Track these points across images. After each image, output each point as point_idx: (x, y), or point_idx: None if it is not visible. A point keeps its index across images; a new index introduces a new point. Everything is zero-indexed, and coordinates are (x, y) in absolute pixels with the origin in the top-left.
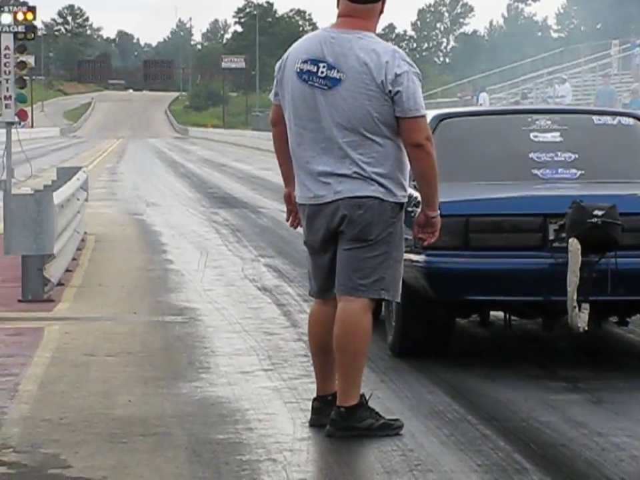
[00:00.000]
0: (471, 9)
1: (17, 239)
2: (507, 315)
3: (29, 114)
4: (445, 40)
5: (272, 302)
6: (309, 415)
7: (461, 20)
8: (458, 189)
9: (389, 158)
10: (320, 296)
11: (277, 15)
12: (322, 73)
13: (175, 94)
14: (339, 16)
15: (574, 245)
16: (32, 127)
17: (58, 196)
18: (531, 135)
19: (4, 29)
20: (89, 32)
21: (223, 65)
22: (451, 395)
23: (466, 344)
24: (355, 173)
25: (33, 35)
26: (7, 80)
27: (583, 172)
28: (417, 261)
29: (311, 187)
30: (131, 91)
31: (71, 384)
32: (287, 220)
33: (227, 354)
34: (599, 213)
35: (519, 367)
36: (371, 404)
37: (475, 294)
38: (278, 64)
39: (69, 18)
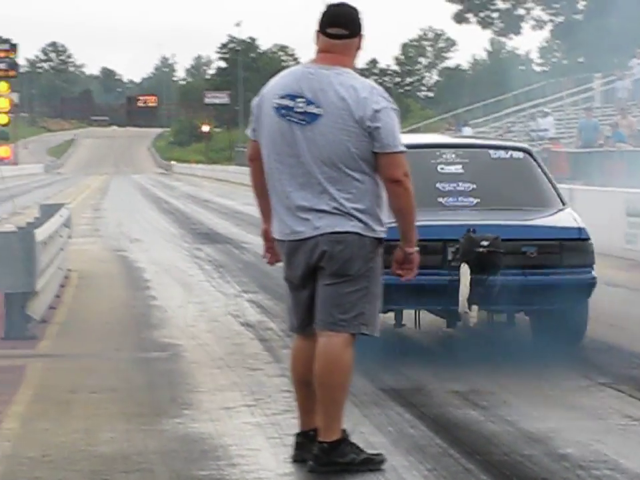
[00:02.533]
0: (454, 43)
1: (0, 276)
2: (417, 316)
3: (13, 151)
4: (428, 74)
5: (255, 337)
6: (291, 450)
7: (444, 54)
8: None
9: (368, 194)
10: (300, 331)
11: (260, 51)
12: (300, 108)
13: (159, 130)
14: (317, 52)
15: (464, 268)
16: (16, 164)
17: (41, 233)
18: (438, 167)
19: None
20: (72, 69)
21: (207, 100)
22: (434, 429)
23: (448, 376)
24: (334, 208)
25: (14, 73)
26: None
27: (479, 200)
28: None
29: (289, 223)
30: (114, 127)
31: (53, 421)
32: (264, 257)
33: (209, 390)
34: (485, 243)
35: (498, 399)
36: (353, 439)
37: (392, 304)
38: (255, 100)
39: (53, 55)
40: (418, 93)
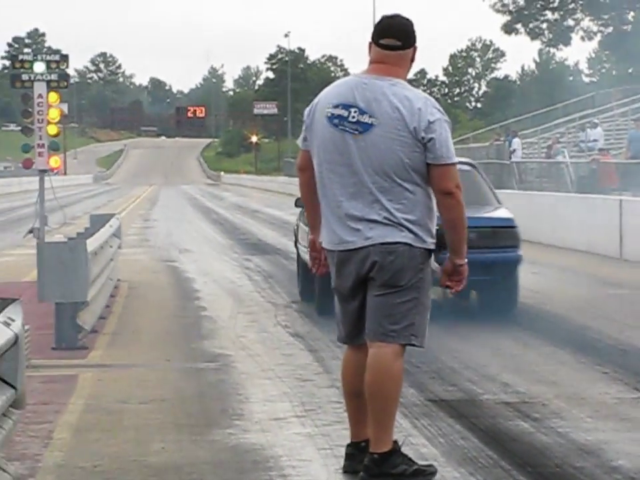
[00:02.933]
0: (503, 54)
1: (51, 286)
2: None
3: (62, 161)
4: (476, 85)
5: (305, 348)
6: (342, 461)
7: (493, 65)
8: None
9: (419, 204)
10: (349, 342)
11: (308, 61)
12: (353, 117)
13: (208, 140)
14: (370, 62)
15: None
16: (65, 174)
17: (91, 243)
18: None
19: (37, 78)
20: (121, 79)
21: (255, 111)
22: (484, 441)
23: (498, 387)
24: (385, 218)
25: (65, 83)
26: (40, 128)
27: None
28: None
29: (339, 233)
30: (163, 137)
31: (104, 431)
32: (312, 266)
33: (260, 400)
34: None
35: (550, 410)
36: (404, 450)
37: None
38: (307, 109)
39: (102, 65)
40: (466, 104)
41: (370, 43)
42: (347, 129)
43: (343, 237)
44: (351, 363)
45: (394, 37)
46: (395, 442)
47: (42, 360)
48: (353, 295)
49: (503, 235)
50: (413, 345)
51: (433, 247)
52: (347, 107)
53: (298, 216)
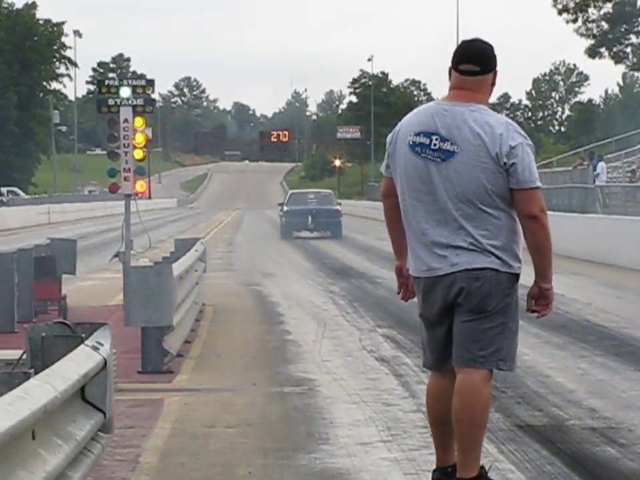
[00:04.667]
0: (586, 78)
1: (137, 310)
2: None
3: (147, 185)
4: (560, 109)
5: (390, 372)
6: None
7: (576, 89)
8: None
9: (504, 230)
10: (435, 368)
11: (391, 85)
12: (435, 145)
13: (291, 165)
14: (450, 88)
15: None
16: (149, 198)
17: (177, 268)
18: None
19: (123, 102)
20: (205, 103)
21: (338, 135)
22: (571, 466)
23: (584, 413)
24: (470, 244)
25: (151, 108)
26: (126, 153)
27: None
28: None
29: (426, 260)
30: (247, 162)
31: (191, 455)
32: (398, 293)
33: (345, 425)
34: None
35: (637, 436)
36: (491, 475)
37: None
38: (389, 137)
39: (186, 90)
40: (549, 128)
41: (450, 68)
42: (429, 156)
43: (429, 264)
44: (437, 389)
45: (472, 62)
46: (482, 467)
47: (128, 384)
48: (439, 321)
49: (333, 213)
50: (502, 370)
51: (519, 271)
52: (428, 134)
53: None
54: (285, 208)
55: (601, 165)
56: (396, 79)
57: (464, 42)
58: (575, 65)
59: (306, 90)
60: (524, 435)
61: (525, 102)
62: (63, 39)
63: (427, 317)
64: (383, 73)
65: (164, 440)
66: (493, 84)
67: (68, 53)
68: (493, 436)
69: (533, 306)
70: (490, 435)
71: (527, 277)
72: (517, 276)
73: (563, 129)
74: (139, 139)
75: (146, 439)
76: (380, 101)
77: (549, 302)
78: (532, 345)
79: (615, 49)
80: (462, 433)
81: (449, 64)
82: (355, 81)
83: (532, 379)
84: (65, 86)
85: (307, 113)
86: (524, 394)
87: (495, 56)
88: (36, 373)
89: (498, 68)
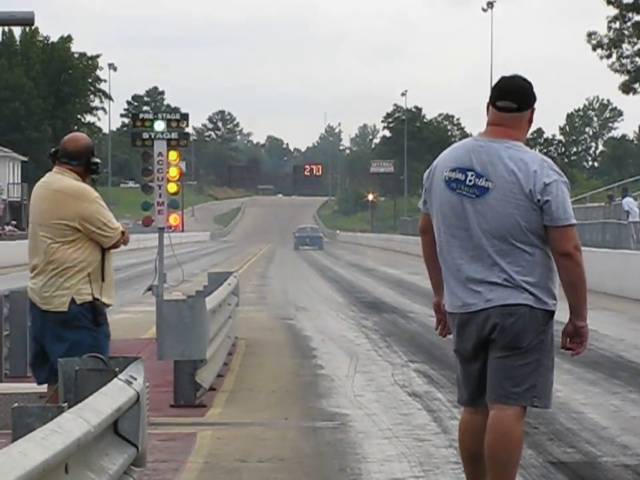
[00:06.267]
0: (620, 113)
1: (170, 344)
2: None
3: (180, 219)
4: (593, 144)
5: (422, 408)
6: None
7: (610, 124)
8: None
9: (538, 266)
10: (470, 404)
11: (425, 120)
12: (470, 181)
13: (324, 198)
14: (487, 124)
15: None
16: (183, 231)
17: (210, 301)
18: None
19: (157, 136)
20: (239, 137)
21: (372, 169)
22: None
23: (617, 449)
24: (505, 280)
25: (185, 142)
26: (160, 186)
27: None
28: None
29: (460, 295)
30: (280, 195)
31: None
32: (436, 329)
33: (378, 460)
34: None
35: None
36: None
37: None
38: (426, 173)
39: (219, 123)
40: (583, 163)
41: (488, 104)
42: (464, 192)
43: (463, 300)
44: (469, 426)
45: (510, 99)
46: None
47: (161, 417)
48: (474, 357)
49: (318, 237)
50: (536, 407)
51: (554, 308)
52: (463, 170)
53: None
54: (296, 234)
55: (627, 201)
56: (430, 114)
57: (503, 78)
58: (608, 101)
59: (339, 124)
60: (556, 472)
61: (559, 137)
62: (98, 72)
63: (462, 352)
64: (416, 107)
65: (196, 474)
66: (531, 121)
67: (102, 86)
68: (525, 472)
69: (568, 344)
70: (522, 471)
71: (564, 314)
72: (551, 313)
73: (596, 164)
74: (173, 172)
75: (178, 473)
76: (413, 135)
77: (584, 340)
78: (565, 381)
79: None
80: (494, 469)
81: (487, 100)
82: (388, 115)
83: (565, 415)
84: (99, 119)
85: (341, 147)
86: (556, 430)
87: (533, 93)
88: (69, 407)
89: (535, 106)
